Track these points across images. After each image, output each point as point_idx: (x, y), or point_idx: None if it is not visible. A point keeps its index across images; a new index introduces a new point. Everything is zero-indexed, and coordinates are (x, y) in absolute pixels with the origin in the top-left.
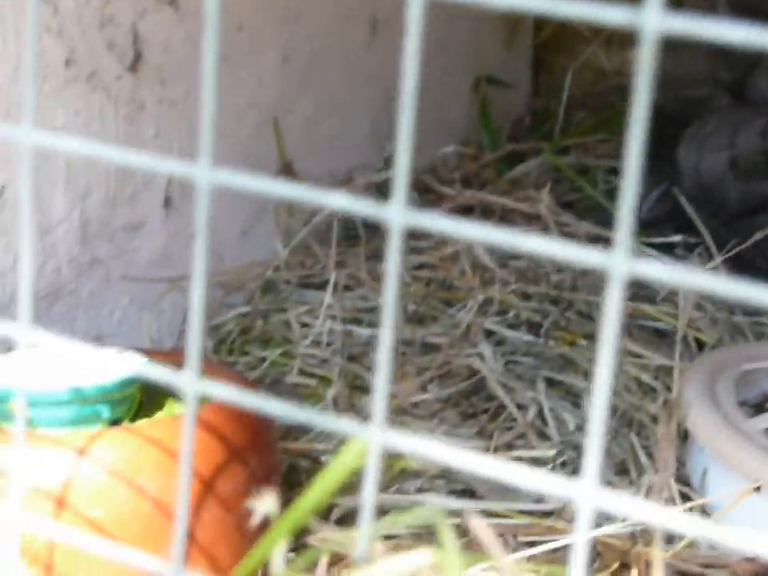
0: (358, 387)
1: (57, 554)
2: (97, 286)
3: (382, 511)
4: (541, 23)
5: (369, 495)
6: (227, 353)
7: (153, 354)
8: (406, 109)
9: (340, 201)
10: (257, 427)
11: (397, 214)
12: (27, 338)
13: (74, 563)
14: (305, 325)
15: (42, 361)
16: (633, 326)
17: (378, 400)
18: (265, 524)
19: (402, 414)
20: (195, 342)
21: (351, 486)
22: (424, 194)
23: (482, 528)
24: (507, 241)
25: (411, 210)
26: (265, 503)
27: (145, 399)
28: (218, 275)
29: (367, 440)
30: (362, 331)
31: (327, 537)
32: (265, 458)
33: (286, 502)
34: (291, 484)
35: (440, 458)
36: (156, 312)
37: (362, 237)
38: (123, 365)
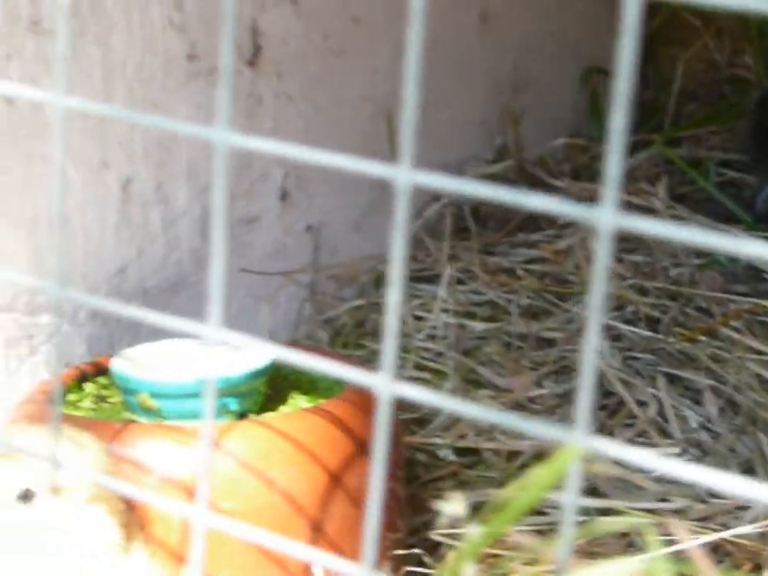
0: (473, 381)
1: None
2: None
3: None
4: (651, 14)
5: (571, 501)
6: (342, 345)
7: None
8: (620, 100)
9: (543, 202)
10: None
11: (607, 216)
12: (218, 338)
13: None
14: (418, 318)
15: (170, 352)
16: (754, 323)
17: (582, 406)
18: (392, 517)
19: (518, 410)
20: (391, 345)
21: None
22: (533, 186)
23: (684, 533)
24: (726, 245)
25: (621, 213)
26: (452, 506)
27: (270, 392)
28: (331, 268)
29: (571, 445)
30: (476, 325)
31: (520, 544)
32: (390, 451)
33: (408, 496)
34: (409, 478)
35: (646, 465)
36: (272, 304)
37: (471, 230)
38: (250, 358)
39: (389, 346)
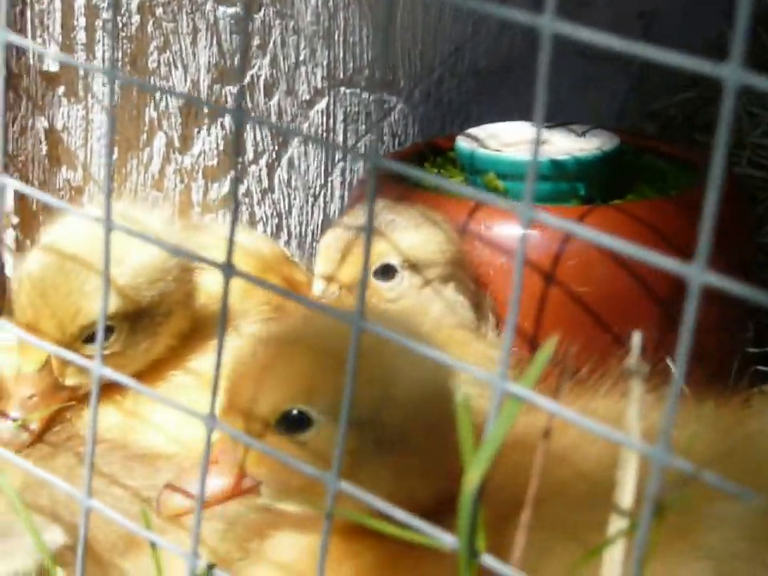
0: None
1: None
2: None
3: None
4: None
5: None
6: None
7: (618, 131)
8: None
9: None
10: (738, 209)
11: None
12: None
13: None
14: (752, 114)
15: (513, 134)
16: None
17: None
18: (743, 319)
19: None
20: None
21: None
22: None
23: None
24: None
25: None
26: None
27: (616, 181)
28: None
29: None
30: None
31: None
32: (742, 244)
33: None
34: None
35: None
36: (598, 91)
37: None
38: (598, 141)
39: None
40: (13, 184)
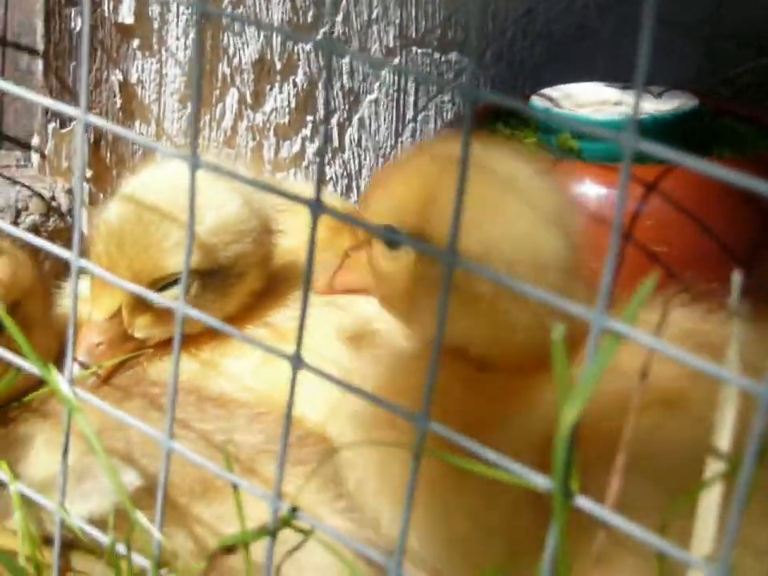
0: None
1: None
2: (618, 27)
3: None
4: None
5: None
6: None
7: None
8: None
9: None
10: None
11: None
12: None
13: None
14: None
15: (587, 95)
16: None
17: None
18: None
19: None
20: None
21: None
22: None
23: None
24: None
25: None
26: None
27: (691, 142)
28: (734, 22)
29: None
30: None
31: None
32: None
33: None
34: None
35: None
36: (667, 59)
37: None
38: (676, 102)
39: None
40: (97, 121)
